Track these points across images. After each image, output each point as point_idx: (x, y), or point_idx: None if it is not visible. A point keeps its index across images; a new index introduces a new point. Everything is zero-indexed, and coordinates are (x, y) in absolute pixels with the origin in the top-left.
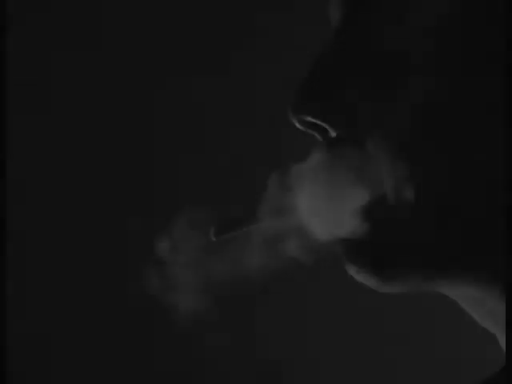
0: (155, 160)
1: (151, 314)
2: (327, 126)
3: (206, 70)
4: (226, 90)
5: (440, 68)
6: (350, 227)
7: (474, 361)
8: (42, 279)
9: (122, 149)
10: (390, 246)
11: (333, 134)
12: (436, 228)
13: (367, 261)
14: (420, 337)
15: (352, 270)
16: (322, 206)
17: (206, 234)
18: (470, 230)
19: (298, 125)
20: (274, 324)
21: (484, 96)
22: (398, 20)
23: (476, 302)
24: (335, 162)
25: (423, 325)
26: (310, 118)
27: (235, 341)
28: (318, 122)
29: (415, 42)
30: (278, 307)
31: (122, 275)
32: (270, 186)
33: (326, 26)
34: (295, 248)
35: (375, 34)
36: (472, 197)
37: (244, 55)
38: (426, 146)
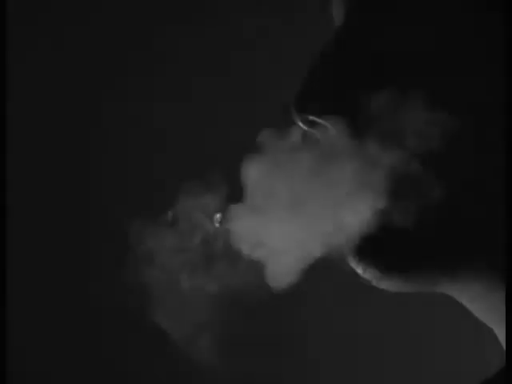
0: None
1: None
2: (329, 125)
3: (207, 68)
4: (229, 89)
5: (441, 68)
6: (353, 224)
7: (474, 360)
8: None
9: (121, 144)
10: (392, 240)
11: (333, 132)
12: (440, 226)
13: (368, 252)
14: (421, 337)
15: (353, 263)
16: (324, 203)
17: (210, 222)
18: (471, 230)
19: (300, 123)
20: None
21: (487, 94)
22: (399, 20)
23: (476, 298)
24: (336, 160)
25: (424, 325)
26: (312, 117)
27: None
28: (320, 121)
29: (416, 41)
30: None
31: (119, 275)
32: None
33: (326, 25)
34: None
35: (376, 33)
36: (474, 197)
37: (244, 55)
38: (429, 146)
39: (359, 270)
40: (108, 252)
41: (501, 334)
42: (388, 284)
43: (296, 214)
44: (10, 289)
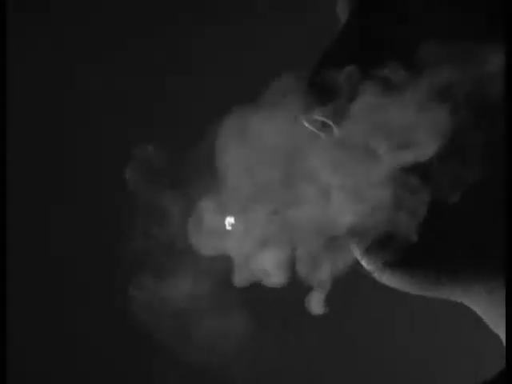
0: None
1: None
2: (334, 125)
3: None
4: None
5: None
6: (360, 214)
7: (475, 360)
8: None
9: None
10: (399, 233)
11: (337, 132)
12: (444, 225)
13: (374, 243)
14: (421, 338)
15: (358, 253)
16: (332, 193)
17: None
18: (473, 230)
19: (306, 123)
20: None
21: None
22: (401, 20)
23: (477, 300)
24: (343, 152)
25: (424, 325)
26: (318, 117)
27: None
28: (327, 121)
29: (420, 40)
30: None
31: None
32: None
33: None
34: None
35: (381, 33)
36: (476, 197)
37: (248, 55)
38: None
39: (363, 262)
40: (108, 251)
41: (499, 333)
42: (389, 278)
43: (303, 203)
44: (10, 289)
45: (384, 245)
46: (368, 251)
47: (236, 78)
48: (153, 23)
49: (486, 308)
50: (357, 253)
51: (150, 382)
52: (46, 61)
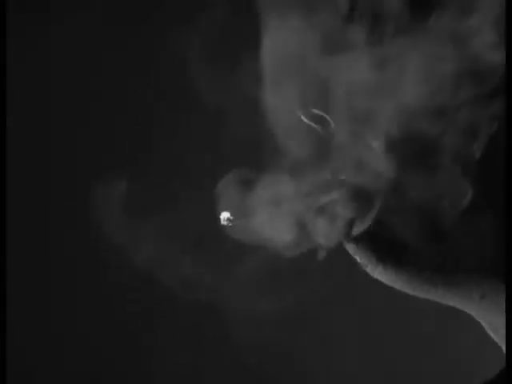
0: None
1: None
2: (330, 119)
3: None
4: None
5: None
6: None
7: (474, 361)
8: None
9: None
10: (392, 228)
11: (333, 126)
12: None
13: (366, 236)
14: (421, 338)
15: (351, 247)
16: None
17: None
18: (469, 231)
19: (303, 117)
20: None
21: None
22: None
23: (468, 304)
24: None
25: (424, 325)
26: (315, 111)
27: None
28: (324, 115)
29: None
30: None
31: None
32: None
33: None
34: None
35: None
36: (474, 195)
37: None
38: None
39: (357, 255)
40: (110, 252)
41: (496, 337)
42: (381, 273)
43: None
44: (10, 289)
45: (379, 239)
46: (362, 245)
47: (236, 78)
48: (153, 23)
49: (478, 313)
50: (350, 246)
51: (149, 381)
52: (45, 61)
